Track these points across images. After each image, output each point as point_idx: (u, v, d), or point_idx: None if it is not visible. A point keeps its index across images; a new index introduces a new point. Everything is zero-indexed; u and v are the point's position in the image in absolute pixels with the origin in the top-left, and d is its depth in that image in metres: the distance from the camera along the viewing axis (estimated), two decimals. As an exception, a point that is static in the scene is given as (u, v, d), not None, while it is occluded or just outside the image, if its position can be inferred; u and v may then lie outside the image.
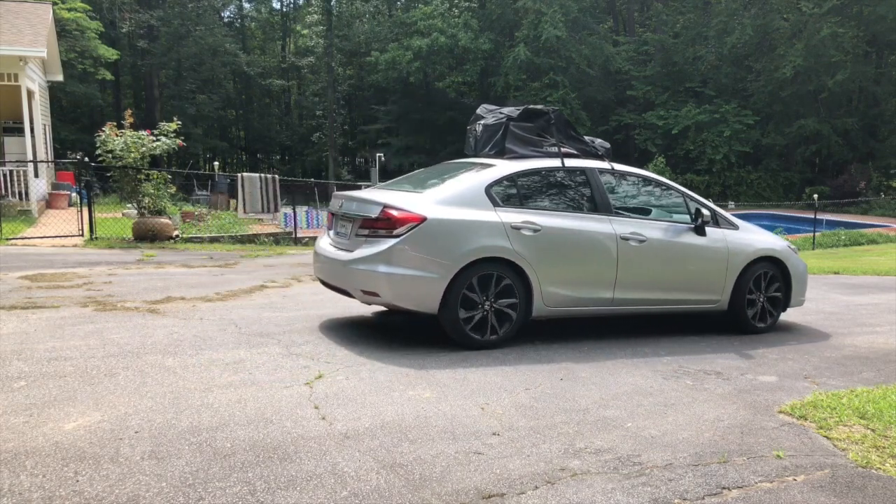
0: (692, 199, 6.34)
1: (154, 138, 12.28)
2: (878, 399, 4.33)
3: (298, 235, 14.41)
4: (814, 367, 5.23)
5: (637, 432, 3.66)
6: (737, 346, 5.81)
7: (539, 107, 6.31)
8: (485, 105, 6.72)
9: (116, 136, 12.01)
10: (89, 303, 6.42)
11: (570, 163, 5.91)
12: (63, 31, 24.72)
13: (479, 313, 5.24)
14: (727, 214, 6.50)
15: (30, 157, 15.62)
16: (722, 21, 33.71)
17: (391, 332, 5.71)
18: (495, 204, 5.40)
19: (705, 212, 6.14)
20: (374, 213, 5.24)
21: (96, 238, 11.92)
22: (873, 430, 3.81)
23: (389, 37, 38.39)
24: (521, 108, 6.20)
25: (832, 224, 22.95)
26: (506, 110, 6.24)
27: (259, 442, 3.31)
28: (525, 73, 34.53)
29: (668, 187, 6.40)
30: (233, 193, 18.07)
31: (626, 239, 5.75)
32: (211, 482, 2.89)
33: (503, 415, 3.84)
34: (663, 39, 36.18)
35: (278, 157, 51.81)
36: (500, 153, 5.96)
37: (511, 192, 5.54)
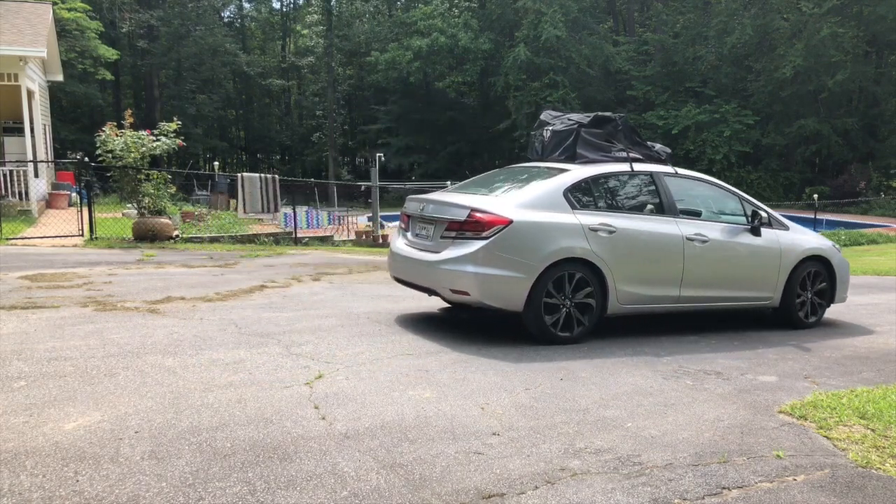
0: (748, 201, 6.65)
1: (154, 138, 12.28)
2: (878, 399, 4.33)
3: (298, 235, 14.41)
4: (814, 367, 5.22)
5: (637, 432, 3.66)
6: (737, 346, 5.82)
7: (608, 114, 6.61)
8: (548, 111, 6.94)
9: (116, 136, 12.01)
10: (89, 303, 6.42)
11: (638, 167, 6.21)
12: (63, 30, 24.72)
13: (560, 311, 5.50)
14: (778, 215, 6.83)
15: (30, 157, 15.62)
16: (722, 21, 33.70)
17: (391, 333, 5.71)
18: (573, 207, 5.68)
19: (763, 214, 6.54)
20: (461, 215, 5.49)
21: (96, 238, 11.92)
22: (873, 430, 3.81)
23: (389, 37, 38.38)
24: (592, 114, 6.49)
25: (832, 224, 22.98)
26: (575, 117, 6.53)
27: (259, 442, 3.31)
28: (525, 73, 34.51)
29: (725, 190, 6.69)
30: (233, 193, 18.07)
31: (692, 240, 6.06)
32: (211, 482, 2.89)
33: (503, 415, 3.84)
34: (663, 39, 36.17)
35: (278, 157, 51.78)
36: (571, 158, 6.21)
37: (586, 195, 5.83)
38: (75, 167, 17.05)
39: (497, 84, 36.15)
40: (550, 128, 6.53)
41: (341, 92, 45.60)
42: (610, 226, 5.67)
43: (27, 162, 15.25)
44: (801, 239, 6.77)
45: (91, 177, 13.46)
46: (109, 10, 34.82)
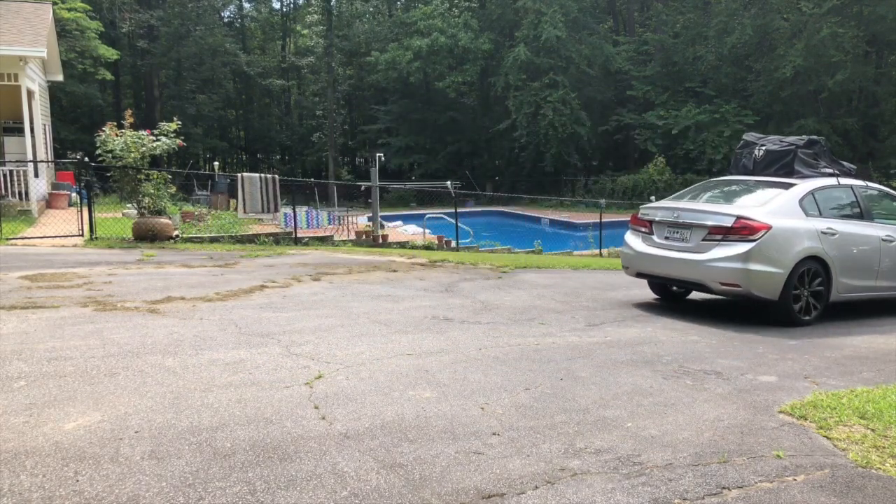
0: None
1: (154, 138, 12.27)
2: (878, 399, 4.33)
3: (298, 235, 14.40)
4: (814, 367, 5.22)
5: (637, 432, 3.66)
6: (737, 346, 5.82)
7: (814, 137, 7.90)
8: (751, 133, 8.31)
9: (116, 136, 12.00)
10: (89, 303, 6.42)
11: (842, 181, 7.48)
12: (63, 31, 24.71)
13: (802, 299, 6.78)
14: None
15: (30, 157, 15.60)
16: (722, 21, 33.67)
17: (391, 332, 5.71)
18: (806, 214, 6.90)
19: None
20: (728, 222, 6.66)
21: (96, 238, 11.92)
22: (873, 430, 3.81)
23: (389, 37, 38.37)
24: (805, 137, 7.73)
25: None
26: (788, 139, 7.74)
27: (259, 442, 3.31)
28: (525, 73, 34.51)
29: None
30: (233, 193, 18.05)
31: (885, 240, 7.39)
32: (211, 482, 2.89)
33: (503, 415, 3.84)
34: (663, 39, 36.16)
35: (278, 157, 51.76)
36: (789, 174, 7.45)
37: (811, 204, 7.03)
38: (75, 167, 17.04)
39: (497, 84, 36.15)
40: (764, 147, 7.72)
41: (341, 92, 45.58)
42: (833, 229, 6.94)
43: (27, 162, 15.23)
44: None
45: (91, 177, 13.44)
46: (109, 10, 34.82)
